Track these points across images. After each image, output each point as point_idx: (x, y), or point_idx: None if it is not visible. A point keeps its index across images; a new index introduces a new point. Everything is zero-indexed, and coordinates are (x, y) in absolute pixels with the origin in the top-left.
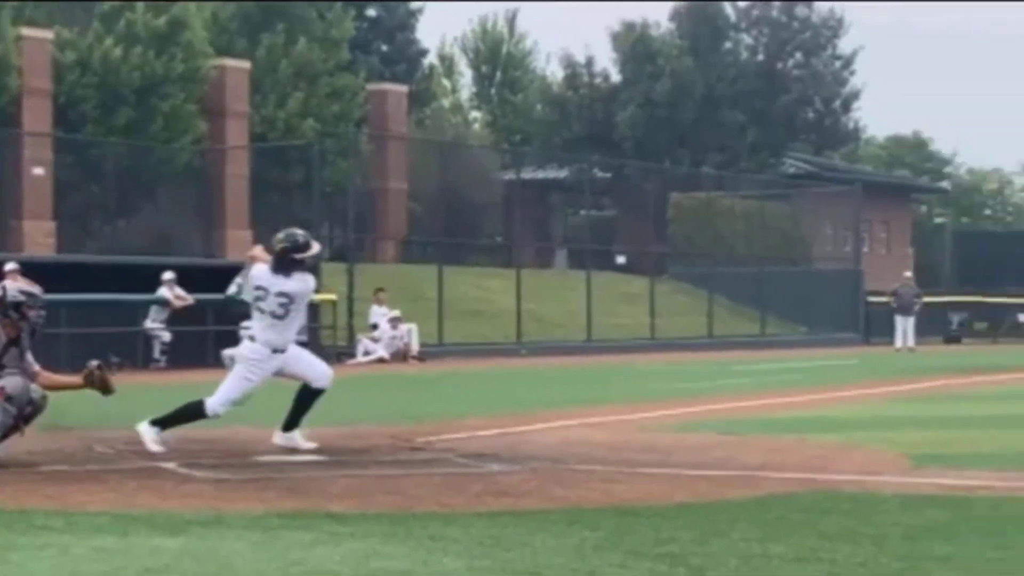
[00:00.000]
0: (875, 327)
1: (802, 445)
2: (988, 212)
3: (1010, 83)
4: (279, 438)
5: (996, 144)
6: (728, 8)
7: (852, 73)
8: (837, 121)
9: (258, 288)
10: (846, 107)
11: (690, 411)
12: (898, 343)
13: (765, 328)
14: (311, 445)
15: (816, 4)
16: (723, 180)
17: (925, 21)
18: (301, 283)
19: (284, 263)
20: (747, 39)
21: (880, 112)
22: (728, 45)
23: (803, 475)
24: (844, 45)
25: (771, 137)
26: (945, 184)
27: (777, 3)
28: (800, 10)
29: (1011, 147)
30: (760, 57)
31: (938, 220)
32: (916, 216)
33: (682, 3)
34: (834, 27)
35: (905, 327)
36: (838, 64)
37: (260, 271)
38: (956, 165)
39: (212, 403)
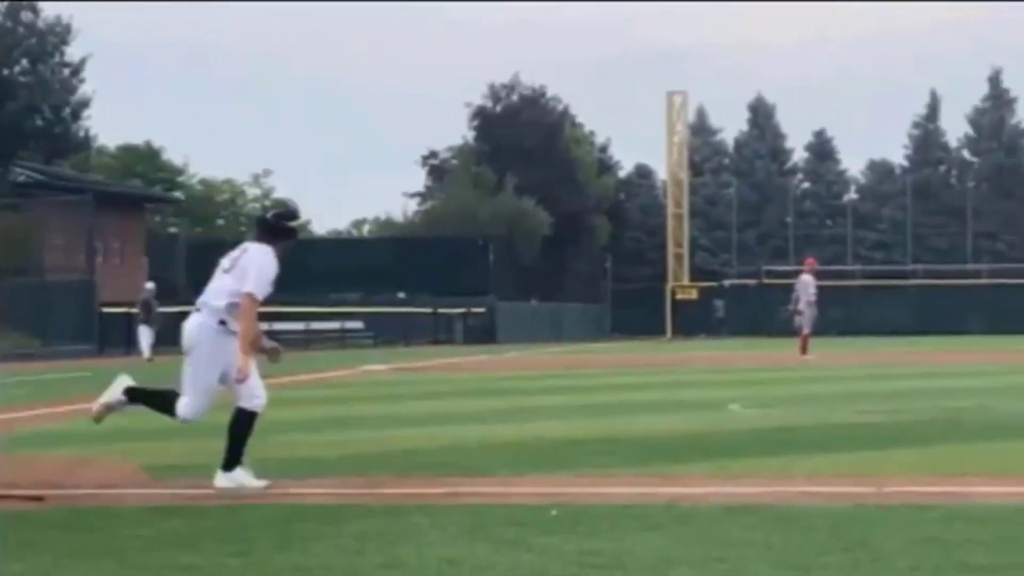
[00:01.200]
0: (110, 338)
1: (42, 460)
2: (222, 222)
3: (240, 98)
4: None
5: (228, 155)
6: None
7: (82, 81)
8: (67, 129)
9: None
10: (76, 115)
11: None
12: (146, 353)
13: None
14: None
15: (43, 6)
16: None
17: (169, 34)
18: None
19: (277, 232)
20: None
21: (112, 121)
22: None
23: (42, 491)
24: (73, 52)
25: None
26: (178, 194)
27: (1, 6)
28: (26, 15)
29: (242, 159)
30: None
31: (172, 230)
32: (150, 226)
33: None
34: (61, 34)
35: (150, 338)
36: (67, 72)
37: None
38: (189, 175)
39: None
